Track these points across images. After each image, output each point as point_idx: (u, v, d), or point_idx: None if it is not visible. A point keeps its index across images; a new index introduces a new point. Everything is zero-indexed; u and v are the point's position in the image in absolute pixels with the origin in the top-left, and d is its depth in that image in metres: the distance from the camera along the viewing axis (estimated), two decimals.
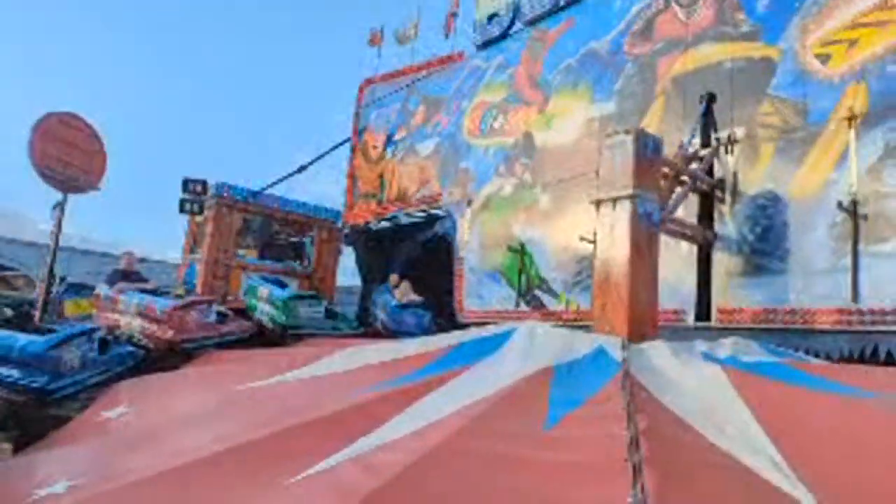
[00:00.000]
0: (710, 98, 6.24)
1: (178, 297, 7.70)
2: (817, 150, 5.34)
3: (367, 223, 11.41)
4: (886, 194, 4.81)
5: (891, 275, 4.65)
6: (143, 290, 7.65)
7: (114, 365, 5.85)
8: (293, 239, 11.24)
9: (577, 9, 8.38)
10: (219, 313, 7.54)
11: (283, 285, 9.03)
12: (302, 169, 11.51)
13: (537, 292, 7.78)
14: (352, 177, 12.05)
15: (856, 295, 4.78)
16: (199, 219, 9.85)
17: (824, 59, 5.49)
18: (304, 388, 4.33)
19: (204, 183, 9.26)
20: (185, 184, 9.14)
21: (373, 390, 3.72)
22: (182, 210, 9.26)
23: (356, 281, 11.96)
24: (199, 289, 9.26)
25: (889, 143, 4.87)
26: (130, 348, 6.47)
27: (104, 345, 5.85)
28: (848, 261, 4.88)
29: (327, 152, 11.86)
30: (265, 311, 8.28)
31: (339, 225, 11.56)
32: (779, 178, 5.57)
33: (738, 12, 6.31)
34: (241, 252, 10.13)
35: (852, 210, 4.88)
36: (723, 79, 6.26)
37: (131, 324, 7.09)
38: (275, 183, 10.93)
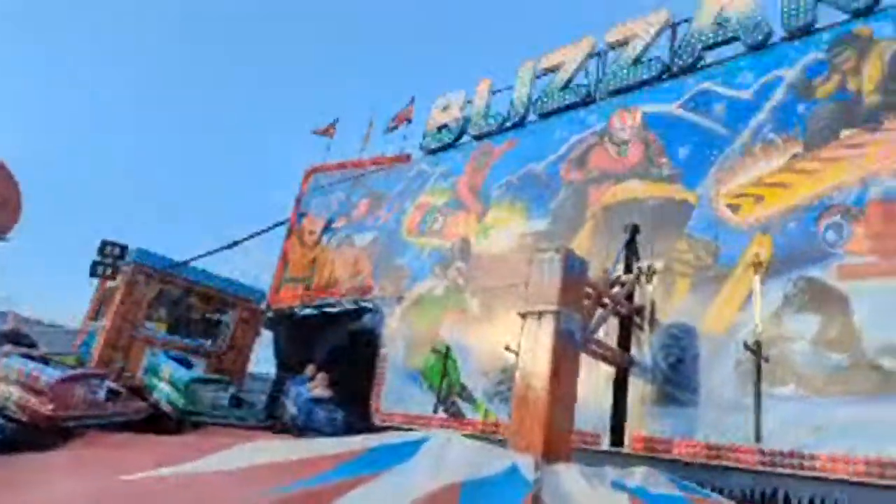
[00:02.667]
0: (634, 229, 6.67)
1: (67, 366, 7.04)
2: (726, 290, 5.73)
3: (292, 308, 11.07)
4: (786, 339, 5.16)
5: (790, 417, 4.87)
6: (30, 357, 6.95)
7: None
8: (211, 316, 10.71)
9: (521, 132, 8.99)
10: (110, 390, 6.91)
11: (188, 365, 8.46)
12: (233, 244, 11.23)
13: (457, 399, 7.62)
14: (284, 259, 11.83)
15: (758, 435, 4.96)
16: (111, 284, 9.28)
17: (735, 208, 6.04)
18: (190, 487, 3.93)
19: (123, 247, 8.83)
20: (103, 246, 8.67)
21: (269, 493, 3.42)
22: (93, 273, 8.72)
23: (271, 368, 11.40)
24: (94, 360, 8.53)
25: (788, 293, 5.30)
26: (1, 421, 5.76)
27: None
28: (752, 400, 5.10)
29: (262, 231, 11.69)
30: (164, 393, 7.66)
31: (263, 306, 11.16)
32: (691, 312, 5.90)
33: (661, 157, 6.94)
34: (149, 324, 9.51)
35: (756, 351, 5.17)
36: (646, 213, 6.74)
37: (8, 393, 6.36)
38: (202, 255, 10.59)
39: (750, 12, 6.87)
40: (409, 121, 11.48)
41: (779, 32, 6.63)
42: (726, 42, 7.05)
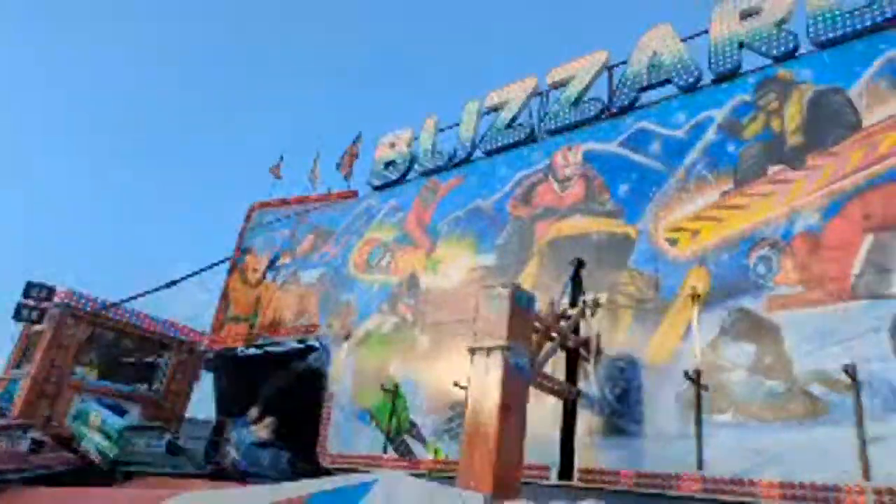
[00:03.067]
0: (579, 263, 6.81)
1: None
2: (667, 321, 5.90)
3: (235, 348, 10.67)
4: (723, 368, 5.33)
5: (730, 445, 5.00)
6: None
7: None
8: (147, 359, 10.18)
9: (468, 168, 9.13)
10: (34, 441, 6.43)
11: (121, 412, 7.98)
12: (171, 284, 10.79)
13: (406, 438, 7.46)
14: (226, 298, 11.44)
15: (700, 463, 5.05)
16: (37, 328, 8.71)
17: (673, 241, 6.27)
18: None
19: (50, 289, 8.33)
20: (28, 288, 8.16)
21: None
22: (17, 316, 8.17)
23: (211, 412, 10.88)
24: (17, 410, 7.93)
25: (724, 322, 5.50)
26: None
27: None
28: (694, 428, 5.21)
29: (202, 270, 11.31)
30: (94, 442, 7.18)
31: (203, 347, 10.70)
32: (635, 343, 6.03)
33: (603, 193, 7.16)
34: (79, 370, 8.95)
35: (696, 380, 5.31)
36: (590, 247, 6.90)
37: None
38: (137, 296, 10.11)
39: (681, 56, 7.29)
40: (357, 156, 11.49)
41: (708, 75, 7.05)
42: (660, 84, 7.44)
